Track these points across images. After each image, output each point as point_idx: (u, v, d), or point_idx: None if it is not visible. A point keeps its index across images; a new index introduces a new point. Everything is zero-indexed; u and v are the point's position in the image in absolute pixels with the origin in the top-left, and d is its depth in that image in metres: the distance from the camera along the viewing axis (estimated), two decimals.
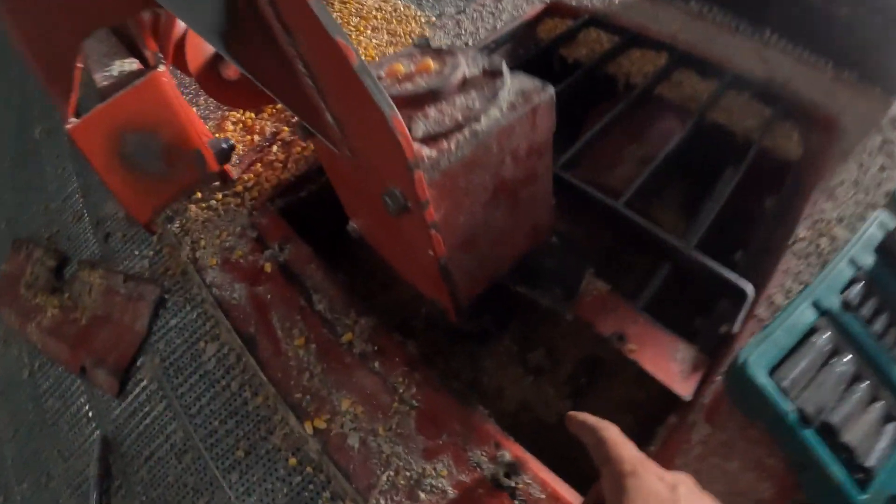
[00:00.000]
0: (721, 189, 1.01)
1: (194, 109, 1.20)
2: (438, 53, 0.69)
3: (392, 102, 0.50)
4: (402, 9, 1.56)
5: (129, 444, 0.94)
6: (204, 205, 1.04)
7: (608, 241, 0.98)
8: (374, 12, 1.52)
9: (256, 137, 1.14)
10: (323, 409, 0.79)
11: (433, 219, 0.58)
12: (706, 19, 1.38)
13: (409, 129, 0.58)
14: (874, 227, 0.87)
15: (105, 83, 0.88)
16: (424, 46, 0.73)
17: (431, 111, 0.60)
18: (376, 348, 0.82)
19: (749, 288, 0.83)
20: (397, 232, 0.67)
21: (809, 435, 0.66)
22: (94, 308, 1.07)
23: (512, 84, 0.64)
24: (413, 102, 0.61)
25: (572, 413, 0.59)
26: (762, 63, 1.23)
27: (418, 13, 1.55)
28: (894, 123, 1.13)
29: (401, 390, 0.78)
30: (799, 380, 0.70)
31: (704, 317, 0.87)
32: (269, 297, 0.91)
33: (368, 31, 1.45)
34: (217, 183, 1.06)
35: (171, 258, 1.05)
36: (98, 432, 0.98)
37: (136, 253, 1.11)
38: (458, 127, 0.59)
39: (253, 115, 1.19)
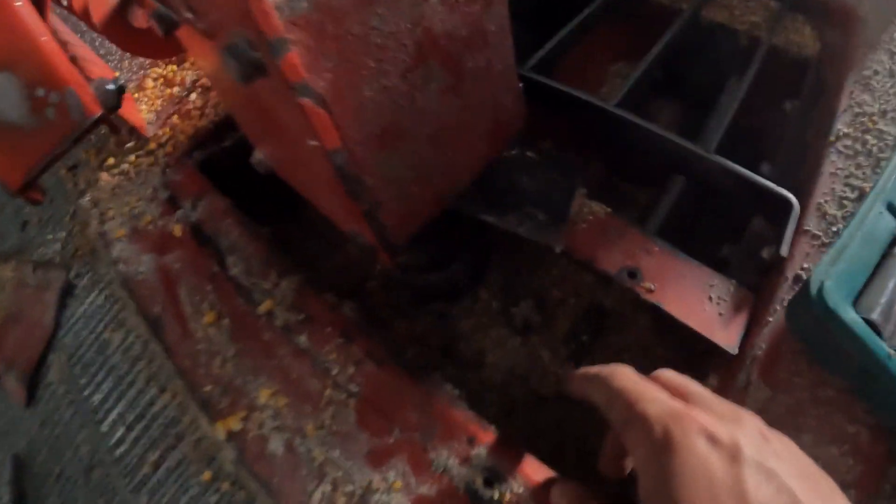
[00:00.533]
0: (730, 97, 0.72)
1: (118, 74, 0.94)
2: None
3: None
4: None
5: (41, 460, 0.70)
6: (116, 171, 0.78)
7: (597, 173, 0.70)
8: None
9: (176, 90, 0.86)
10: (238, 404, 0.53)
11: (302, 77, 0.29)
12: None
13: None
14: None
15: None
16: None
17: None
18: (302, 317, 0.55)
19: (793, 198, 0.54)
20: (284, 134, 0.38)
21: None
22: (7, 306, 0.81)
23: None
24: None
25: (572, 373, 0.41)
26: None
27: None
28: None
29: (335, 371, 0.51)
30: (892, 309, 0.44)
31: (733, 245, 0.59)
32: (177, 266, 0.64)
33: None
34: (132, 143, 0.78)
35: (81, 236, 0.78)
36: (9, 452, 0.73)
37: (50, 237, 0.84)
38: None
39: (175, 67, 0.90)
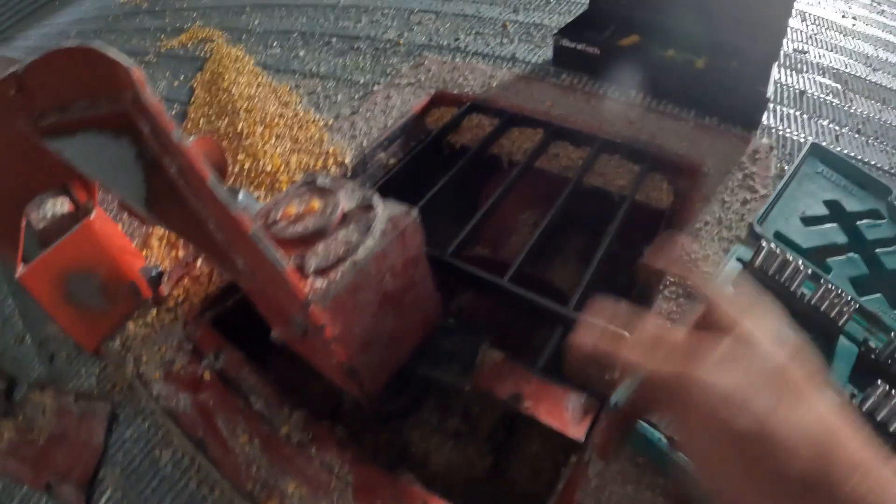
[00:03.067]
0: (601, 245, 1.20)
1: (119, 226, 1.38)
2: (322, 192, 0.88)
3: (282, 260, 0.68)
4: (301, 114, 1.75)
5: None
6: (140, 321, 1.19)
7: (508, 312, 1.18)
8: (276, 119, 1.71)
9: (181, 253, 1.32)
10: (273, 494, 0.93)
11: (331, 335, 0.76)
12: (576, 90, 1.61)
13: (304, 265, 0.76)
14: (733, 262, 1.05)
15: (42, 225, 1.06)
16: (311, 183, 0.92)
17: (320, 247, 0.79)
18: (311, 436, 0.97)
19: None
20: (309, 343, 0.86)
21: (681, 457, 0.83)
22: (49, 428, 1.18)
23: (383, 213, 0.82)
24: (305, 241, 0.79)
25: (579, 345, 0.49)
26: (628, 124, 1.45)
27: (317, 117, 1.74)
28: (753, 157, 1.34)
29: (336, 469, 0.93)
30: None
31: None
32: (211, 402, 1.05)
33: (273, 140, 1.63)
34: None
35: (116, 374, 1.17)
36: None
37: (83, 371, 1.23)
38: (341, 259, 0.77)
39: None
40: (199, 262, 1.27)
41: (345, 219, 0.82)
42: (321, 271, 0.76)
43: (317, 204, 0.84)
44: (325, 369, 0.91)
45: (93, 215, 1.07)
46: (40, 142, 0.71)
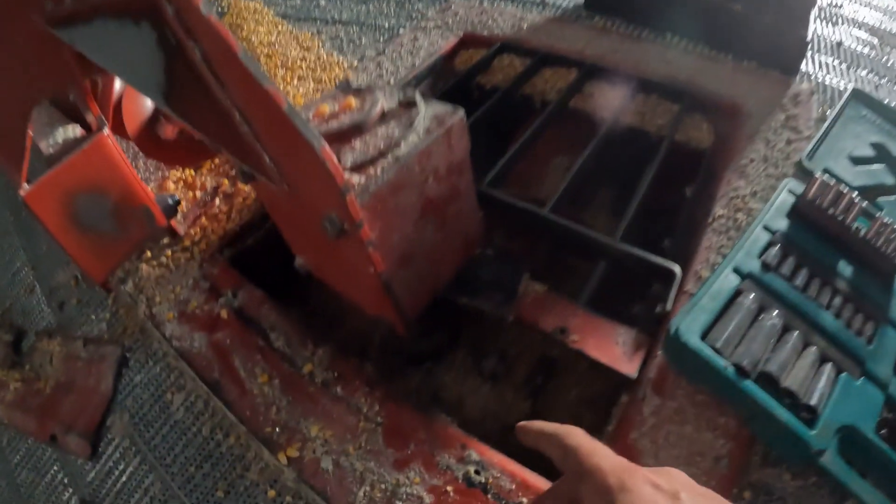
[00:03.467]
0: (641, 185, 1.09)
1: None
2: (358, 92, 0.75)
3: (320, 136, 0.56)
4: (325, 57, 1.61)
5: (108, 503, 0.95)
6: (155, 262, 1.08)
7: (544, 251, 1.05)
8: (298, 62, 1.58)
9: (198, 193, 1.18)
10: (294, 438, 0.82)
11: (369, 237, 0.63)
12: (610, 32, 1.48)
13: (339, 160, 0.63)
14: (784, 194, 0.95)
15: (51, 150, 0.92)
16: (346, 87, 0.79)
17: (357, 143, 0.66)
18: (336, 374, 0.86)
19: (676, 268, 0.89)
20: (340, 257, 0.72)
21: (750, 386, 0.72)
22: (56, 376, 1.08)
23: (426, 111, 0.70)
24: (340, 137, 0.67)
25: (522, 424, 0.54)
26: (665, 64, 1.32)
27: (341, 59, 1.61)
28: (795, 100, 1.23)
29: (365, 409, 0.82)
30: (731, 338, 0.75)
31: (642, 302, 0.94)
32: (228, 341, 0.94)
33: (295, 81, 1.50)
34: (166, 240, 1.10)
35: (128, 317, 1.07)
36: (75, 498, 0.98)
37: (93, 317, 1.12)
38: (382, 154, 0.65)
39: (192, 172, 1.23)
40: (217, 201, 1.14)
41: (384, 117, 0.69)
42: (359, 167, 0.63)
43: (353, 101, 0.71)
44: (358, 291, 0.78)
45: (106, 130, 0.93)
46: (54, 32, 0.64)
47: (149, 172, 1.27)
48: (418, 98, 0.71)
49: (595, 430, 0.81)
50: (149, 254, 1.09)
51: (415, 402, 0.83)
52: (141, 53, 0.60)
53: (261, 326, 0.94)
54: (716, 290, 0.81)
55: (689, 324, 0.77)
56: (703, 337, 0.76)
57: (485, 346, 1.02)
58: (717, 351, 0.75)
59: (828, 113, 1.21)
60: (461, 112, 0.71)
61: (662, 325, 0.86)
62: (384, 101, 0.72)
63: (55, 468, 1.03)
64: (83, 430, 0.99)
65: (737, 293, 0.82)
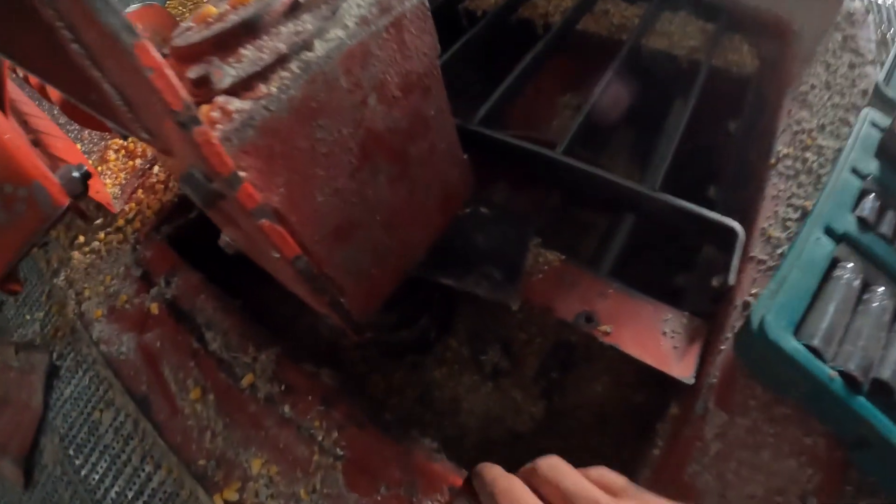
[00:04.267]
0: (674, 122, 0.77)
1: (80, 147, 0.97)
2: None
3: (136, 32, 0.27)
4: None
5: None
6: (87, 249, 0.81)
7: (555, 205, 0.74)
8: None
9: (139, 161, 0.89)
10: (232, 475, 0.56)
11: (257, 202, 0.34)
12: None
13: (211, 81, 0.34)
14: (867, 127, 0.66)
15: None
16: None
17: (247, 50, 0.36)
18: (283, 387, 0.58)
19: (737, 226, 0.59)
20: (247, 234, 0.43)
21: (861, 402, 0.44)
22: None
23: None
24: (222, 45, 0.37)
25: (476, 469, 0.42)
26: None
27: None
28: (851, 19, 0.92)
29: (320, 437, 0.55)
30: (832, 332, 0.48)
31: (687, 272, 0.64)
32: (158, 344, 0.67)
33: None
34: (99, 220, 0.82)
35: (60, 317, 0.81)
36: None
37: (28, 317, 0.86)
38: (282, 60, 0.35)
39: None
40: (155, 169, 0.85)
41: (295, 8, 0.38)
42: (243, 87, 0.33)
43: None
44: (287, 280, 0.48)
45: None
46: None
47: (92, 143, 0.98)
48: None
49: (628, 444, 0.54)
50: (81, 238, 0.83)
51: (384, 418, 0.54)
52: None
53: (196, 323, 0.67)
54: (807, 259, 0.52)
55: (777, 313, 0.48)
56: (796, 331, 0.48)
57: (484, 333, 0.72)
58: (815, 352, 0.46)
59: (888, 35, 0.93)
60: None
61: (721, 304, 0.58)
62: None
63: None
64: (17, 454, 0.77)
65: (833, 263, 0.53)
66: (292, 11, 0.39)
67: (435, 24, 0.49)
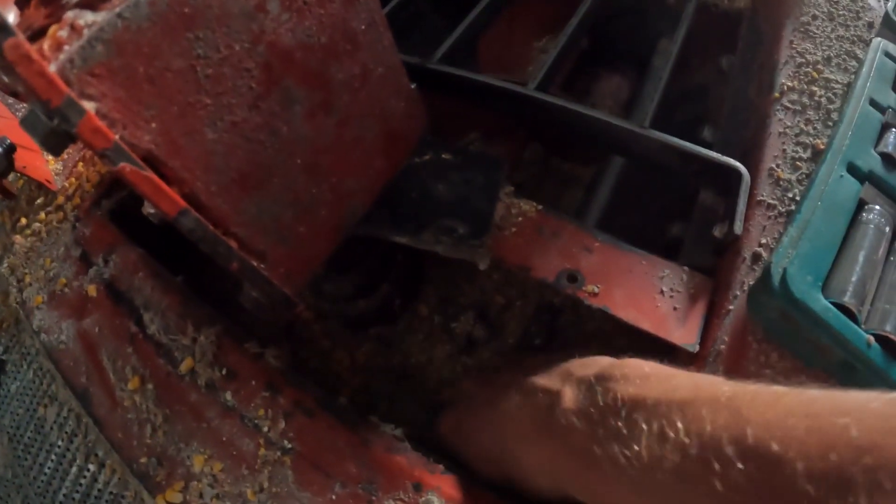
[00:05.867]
0: (663, 59, 0.67)
1: None
2: None
3: None
4: None
5: None
6: (28, 232, 0.72)
7: (534, 157, 0.65)
8: None
9: None
10: (174, 474, 0.48)
11: (111, 141, 0.24)
12: None
13: None
14: (881, 57, 0.59)
15: None
16: None
17: None
18: (224, 372, 0.49)
19: (742, 168, 0.49)
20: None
21: None
22: None
23: None
24: None
25: None
26: None
27: None
28: None
29: (265, 428, 0.46)
30: (864, 288, 0.39)
31: (683, 222, 0.55)
32: (96, 330, 0.58)
33: None
34: (40, 199, 0.73)
35: (3, 307, 0.71)
36: None
37: None
38: None
39: None
40: None
41: None
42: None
43: None
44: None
45: None
46: None
47: None
48: None
49: None
50: (24, 221, 0.73)
51: (339, 403, 0.46)
52: None
53: (133, 305, 0.57)
54: (830, 200, 0.43)
55: (802, 265, 0.39)
56: (824, 287, 0.40)
57: (457, 298, 0.62)
58: (846, 311, 0.38)
59: None
60: None
61: (725, 257, 0.49)
62: None
63: None
64: None
65: (859, 206, 0.45)
66: None
67: None
